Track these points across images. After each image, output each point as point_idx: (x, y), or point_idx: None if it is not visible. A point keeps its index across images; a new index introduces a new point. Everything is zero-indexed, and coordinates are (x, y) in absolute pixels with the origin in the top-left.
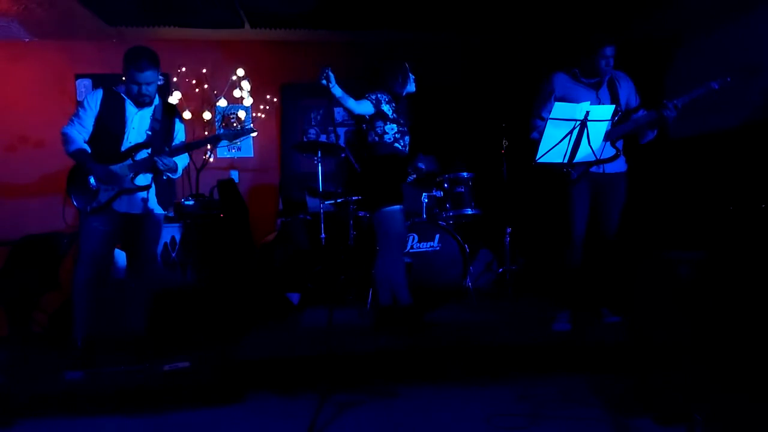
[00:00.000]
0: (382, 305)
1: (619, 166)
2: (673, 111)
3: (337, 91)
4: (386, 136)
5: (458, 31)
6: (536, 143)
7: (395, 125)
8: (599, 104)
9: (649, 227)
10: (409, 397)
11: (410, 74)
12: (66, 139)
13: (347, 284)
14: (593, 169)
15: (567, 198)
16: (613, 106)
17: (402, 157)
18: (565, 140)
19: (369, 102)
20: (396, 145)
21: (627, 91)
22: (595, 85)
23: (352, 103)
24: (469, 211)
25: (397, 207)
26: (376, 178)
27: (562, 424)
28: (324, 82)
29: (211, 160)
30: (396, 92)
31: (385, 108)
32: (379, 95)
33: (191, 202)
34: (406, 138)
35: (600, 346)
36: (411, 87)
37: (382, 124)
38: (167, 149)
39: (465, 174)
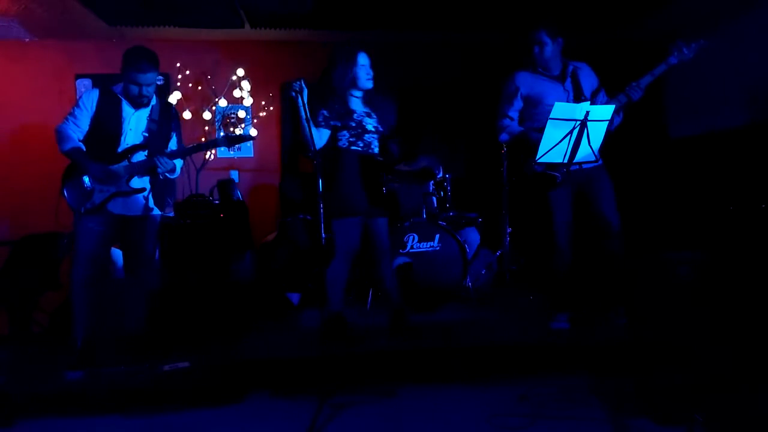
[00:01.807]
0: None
1: (598, 161)
2: (638, 91)
3: (303, 113)
4: (339, 143)
5: (459, 30)
6: (532, 145)
7: (345, 131)
8: (567, 96)
9: (649, 227)
10: (409, 397)
11: (362, 67)
12: (60, 137)
13: (347, 284)
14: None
15: (547, 205)
16: (613, 106)
17: (364, 158)
18: (565, 140)
19: (325, 129)
20: (354, 148)
21: (588, 79)
22: (559, 78)
23: (314, 134)
24: (470, 212)
25: (344, 219)
26: (327, 189)
27: (562, 424)
28: (293, 94)
29: (211, 159)
30: (340, 88)
31: (333, 123)
32: (324, 112)
33: (191, 203)
34: (367, 136)
35: (600, 346)
36: (364, 84)
37: (334, 133)
38: (166, 151)
39: (465, 174)
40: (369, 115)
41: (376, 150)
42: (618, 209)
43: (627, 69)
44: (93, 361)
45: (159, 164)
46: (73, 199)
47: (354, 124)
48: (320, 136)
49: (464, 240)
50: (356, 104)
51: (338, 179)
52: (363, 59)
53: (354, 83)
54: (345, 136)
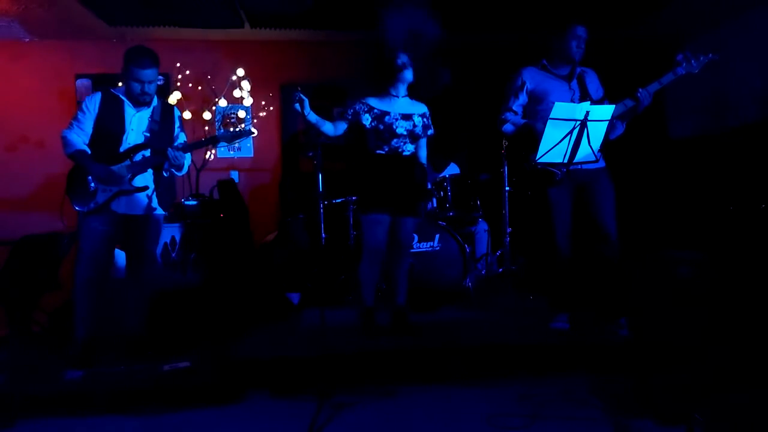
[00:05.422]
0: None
1: (598, 162)
2: (647, 97)
3: (312, 117)
4: (368, 144)
5: (459, 30)
6: (536, 139)
7: (372, 133)
8: (572, 95)
9: (649, 227)
10: (409, 397)
11: (400, 62)
12: (65, 143)
13: (347, 284)
14: (572, 166)
15: (546, 203)
16: (613, 106)
17: (390, 159)
18: (565, 140)
19: (343, 122)
20: (378, 152)
21: (595, 84)
22: (566, 77)
23: (328, 128)
24: (470, 212)
25: (371, 216)
26: (356, 182)
27: (562, 424)
28: (297, 106)
29: (211, 160)
30: (385, 89)
31: (364, 118)
32: (357, 106)
33: (191, 202)
34: (396, 141)
35: (600, 346)
36: (404, 77)
37: (365, 133)
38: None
39: (465, 174)
40: (407, 118)
41: (407, 153)
42: (618, 211)
43: (630, 70)
44: (93, 361)
45: (172, 157)
46: (77, 200)
47: (382, 127)
48: (336, 126)
49: (476, 232)
50: (395, 105)
51: (365, 178)
52: (403, 58)
53: (391, 81)
54: (372, 138)
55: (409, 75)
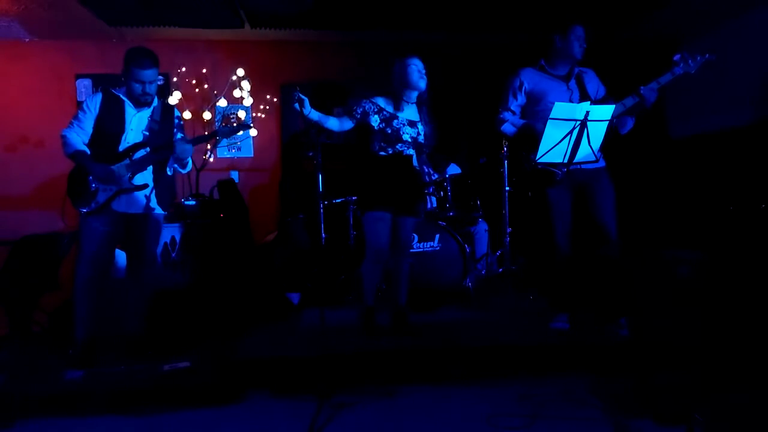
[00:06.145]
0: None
1: (598, 162)
2: (652, 93)
3: (313, 115)
4: (371, 146)
5: (459, 30)
6: (536, 139)
7: (379, 134)
8: (570, 95)
9: (649, 227)
10: (409, 397)
11: (413, 71)
12: (65, 142)
13: (347, 284)
14: (572, 166)
15: (546, 203)
16: (613, 106)
17: (393, 159)
18: (565, 140)
19: (349, 120)
20: (382, 153)
21: (594, 84)
22: (564, 78)
23: (332, 123)
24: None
25: (371, 213)
26: (357, 181)
27: (562, 424)
28: (297, 106)
29: (211, 160)
30: (395, 93)
31: (372, 119)
32: (366, 105)
33: (191, 202)
34: (400, 145)
35: (600, 346)
36: (418, 85)
37: (371, 133)
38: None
39: (465, 174)
40: (412, 125)
41: (407, 153)
42: (618, 210)
43: (630, 70)
44: (93, 361)
45: (180, 151)
46: (78, 200)
47: (390, 131)
48: (342, 122)
49: (475, 232)
50: (403, 111)
51: (368, 177)
52: (415, 61)
53: (403, 87)
54: (378, 140)
55: (422, 84)
